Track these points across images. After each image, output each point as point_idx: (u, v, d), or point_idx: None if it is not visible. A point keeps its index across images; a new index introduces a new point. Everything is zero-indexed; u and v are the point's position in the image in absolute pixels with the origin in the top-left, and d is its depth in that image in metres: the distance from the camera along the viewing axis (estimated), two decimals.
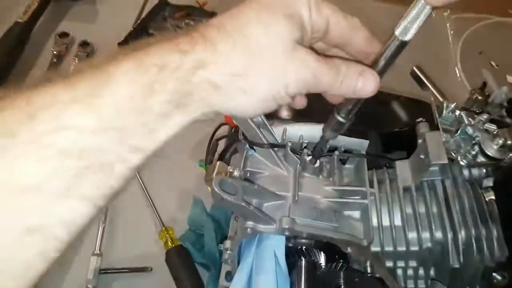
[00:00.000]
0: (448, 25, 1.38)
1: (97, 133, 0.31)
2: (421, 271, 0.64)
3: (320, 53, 0.50)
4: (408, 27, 0.40)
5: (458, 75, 1.28)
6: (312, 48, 0.44)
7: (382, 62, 0.43)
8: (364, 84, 0.41)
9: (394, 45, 0.42)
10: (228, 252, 0.65)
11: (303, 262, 0.62)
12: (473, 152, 0.61)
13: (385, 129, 0.71)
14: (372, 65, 0.44)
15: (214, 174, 0.67)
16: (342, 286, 0.69)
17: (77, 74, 0.33)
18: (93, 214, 0.32)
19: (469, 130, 0.64)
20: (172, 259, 0.83)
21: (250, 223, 0.56)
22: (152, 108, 0.34)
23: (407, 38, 0.41)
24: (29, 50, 1.22)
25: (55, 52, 1.23)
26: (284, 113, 0.70)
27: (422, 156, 0.60)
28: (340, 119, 0.51)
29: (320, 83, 0.40)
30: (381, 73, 0.44)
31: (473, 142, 0.63)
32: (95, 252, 0.83)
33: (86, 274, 0.79)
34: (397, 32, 0.41)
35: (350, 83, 0.41)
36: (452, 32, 1.37)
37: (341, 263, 0.62)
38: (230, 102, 0.38)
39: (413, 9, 0.39)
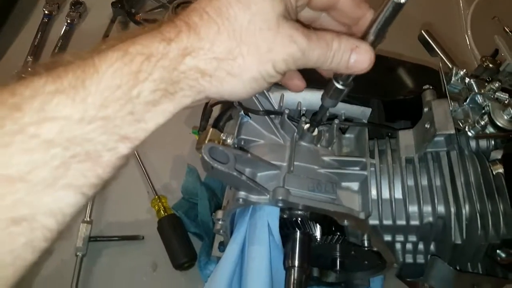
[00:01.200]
0: None
1: (82, 123, 0.31)
2: (420, 246, 0.62)
3: (309, 26, 0.48)
4: None
5: (467, 42, 1.22)
6: (300, 22, 0.43)
7: (376, 28, 0.40)
8: (357, 59, 0.40)
9: (389, 8, 0.38)
10: (220, 222, 0.62)
11: (298, 234, 0.60)
12: (482, 123, 0.57)
13: (389, 96, 0.67)
14: (366, 31, 0.41)
15: (206, 141, 0.64)
16: (338, 260, 0.67)
17: (62, 66, 0.33)
18: (82, 203, 0.33)
19: (479, 98, 0.60)
20: (165, 228, 0.81)
21: (242, 194, 0.53)
22: (139, 97, 0.34)
23: (402, 0, 0.37)
24: (19, 10, 1.17)
25: (46, 12, 1.18)
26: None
27: (427, 126, 0.56)
28: (339, 86, 0.47)
29: (309, 58, 0.39)
30: (375, 41, 0.41)
31: (483, 111, 0.59)
32: (85, 219, 0.80)
33: (76, 241, 0.77)
34: None
35: (342, 59, 0.40)
36: None
37: (337, 236, 0.60)
38: (220, 87, 0.37)
39: None
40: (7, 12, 1.14)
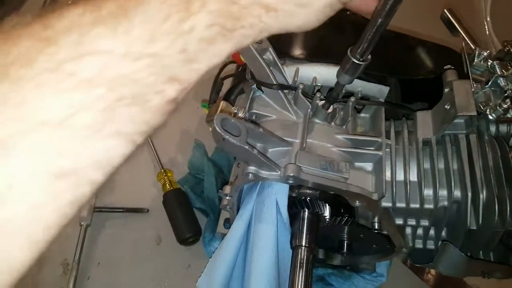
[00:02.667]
0: None
1: (127, 60, 0.27)
2: (431, 232, 0.60)
3: None
4: None
5: (486, 27, 1.19)
6: None
7: None
8: None
9: None
10: (227, 198, 0.61)
11: (306, 213, 0.58)
12: (504, 106, 0.55)
13: (407, 75, 0.64)
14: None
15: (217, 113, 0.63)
16: (346, 242, 0.66)
17: None
18: (131, 152, 0.28)
19: (501, 81, 0.57)
20: (170, 202, 0.80)
21: (252, 168, 0.52)
22: (192, 32, 0.29)
23: None
24: None
25: None
26: (298, 52, 0.64)
27: (447, 106, 0.54)
28: (355, 60, 0.45)
29: None
30: (393, 8, 0.39)
31: (505, 95, 0.56)
32: None
33: (80, 211, 0.76)
34: None
35: None
36: None
37: (346, 218, 0.58)
38: (287, 22, 0.33)
39: None
40: None
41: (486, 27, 1.19)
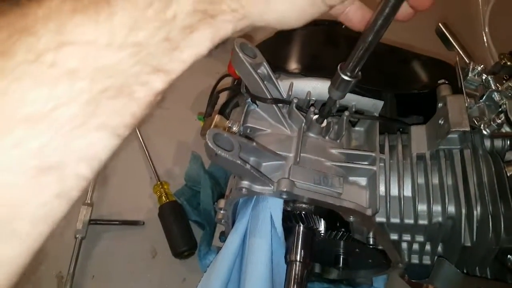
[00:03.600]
0: None
1: (110, 50, 0.26)
2: (427, 247, 0.60)
3: None
4: None
5: (485, 39, 1.19)
6: None
7: (383, 15, 0.37)
8: None
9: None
10: (222, 211, 0.61)
11: (301, 228, 0.58)
12: (498, 121, 0.54)
13: (402, 89, 0.64)
14: (373, 18, 0.38)
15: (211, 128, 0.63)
16: (341, 256, 0.66)
17: None
18: (117, 145, 0.27)
19: (496, 96, 0.57)
20: (166, 214, 0.79)
21: (245, 183, 0.51)
22: (175, 20, 0.28)
23: None
24: None
25: None
26: (292, 66, 0.64)
27: (441, 121, 0.54)
28: (345, 77, 0.45)
29: None
30: (383, 26, 0.38)
31: (499, 110, 0.56)
32: (86, 201, 0.79)
33: (75, 223, 0.76)
34: None
35: None
36: None
37: (341, 232, 0.58)
38: (266, 9, 0.32)
39: None
40: None
41: (484, 38, 1.20)
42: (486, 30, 1.20)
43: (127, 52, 0.26)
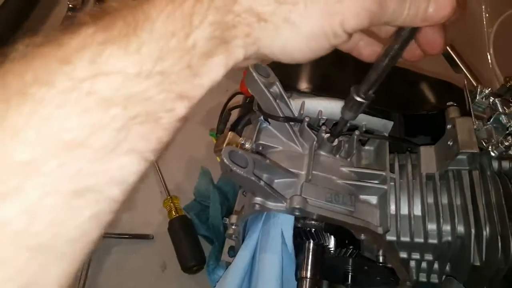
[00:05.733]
0: (483, 7, 1.30)
1: (140, 79, 0.27)
2: (435, 266, 0.60)
3: None
4: None
5: (489, 61, 1.21)
6: None
7: (399, 41, 0.38)
8: (436, 7, 0.34)
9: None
10: (233, 227, 0.62)
11: (311, 244, 0.59)
12: (506, 143, 0.55)
13: (410, 110, 0.66)
14: (389, 44, 0.39)
15: (224, 145, 0.64)
16: (350, 274, 0.66)
17: (108, 15, 0.29)
18: (145, 169, 0.29)
19: (503, 119, 0.58)
20: (175, 229, 0.80)
21: (258, 199, 0.52)
22: (195, 48, 0.29)
23: None
24: (44, 2, 1.18)
25: (70, 6, 1.19)
26: (304, 86, 0.66)
27: (450, 143, 0.55)
28: (359, 99, 0.47)
29: (384, 11, 0.33)
30: (399, 52, 0.39)
31: (507, 132, 0.57)
32: None
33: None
34: None
35: (419, 8, 0.34)
36: (487, 15, 1.29)
37: (351, 250, 0.59)
38: (275, 38, 0.32)
39: None
40: (32, 4, 1.16)
41: (489, 59, 1.21)
42: (491, 51, 1.22)
43: (154, 80, 0.28)
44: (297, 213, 0.52)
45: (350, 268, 0.65)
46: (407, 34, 0.39)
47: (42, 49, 0.27)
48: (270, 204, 0.52)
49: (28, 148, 0.24)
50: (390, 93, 0.66)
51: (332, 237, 0.58)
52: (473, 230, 0.52)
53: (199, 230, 0.82)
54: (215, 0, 0.30)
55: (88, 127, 0.26)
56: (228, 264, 0.69)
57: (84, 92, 0.26)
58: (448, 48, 0.72)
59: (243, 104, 0.75)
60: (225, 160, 0.46)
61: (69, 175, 0.25)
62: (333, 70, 0.67)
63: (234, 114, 0.74)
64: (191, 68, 0.29)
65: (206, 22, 0.29)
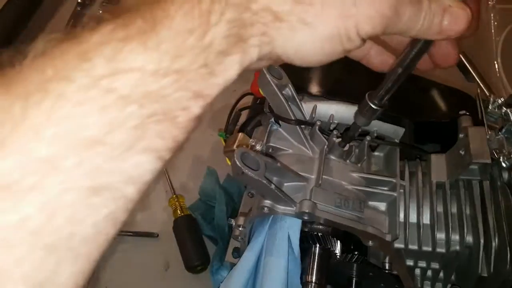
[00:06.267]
0: (492, 15, 1.29)
1: (157, 76, 0.27)
2: (441, 274, 0.60)
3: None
4: None
5: (497, 69, 1.20)
6: None
7: (415, 50, 0.39)
8: (451, 21, 0.35)
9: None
10: (240, 229, 0.61)
11: (318, 249, 0.59)
12: None
13: (421, 117, 0.65)
14: (405, 52, 0.40)
15: (235, 146, 0.64)
16: (354, 279, 0.66)
17: (127, 12, 0.29)
18: (160, 168, 0.28)
19: None
20: (180, 227, 0.80)
21: (268, 202, 0.52)
22: (212, 46, 0.29)
23: None
24: None
25: (79, 1, 1.19)
26: (316, 89, 0.66)
27: (462, 152, 0.55)
28: (373, 105, 0.47)
29: (399, 19, 0.33)
30: (414, 60, 0.40)
31: None
32: None
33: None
34: None
35: (434, 20, 0.34)
36: (495, 23, 1.28)
37: (357, 255, 0.59)
38: (289, 38, 0.32)
39: None
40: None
41: (496, 68, 1.21)
42: (499, 60, 1.22)
43: (171, 78, 0.27)
44: (306, 218, 0.52)
45: (354, 274, 0.65)
46: (421, 45, 0.39)
47: (62, 45, 0.27)
48: (279, 208, 0.52)
49: (47, 144, 0.24)
50: (401, 100, 0.65)
51: (339, 242, 0.58)
52: (482, 241, 0.52)
53: (204, 230, 0.82)
54: None
55: (107, 125, 0.25)
56: (232, 265, 0.69)
57: (103, 89, 0.25)
58: (461, 56, 0.72)
59: (253, 105, 0.75)
60: (237, 162, 0.46)
61: (87, 173, 0.25)
62: (345, 75, 0.67)
63: (243, 115, 0.73)
64: (207, 66, 0.29)
65: (223, 19, 0.29)
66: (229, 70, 0.30)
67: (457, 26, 0.35)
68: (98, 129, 0.25)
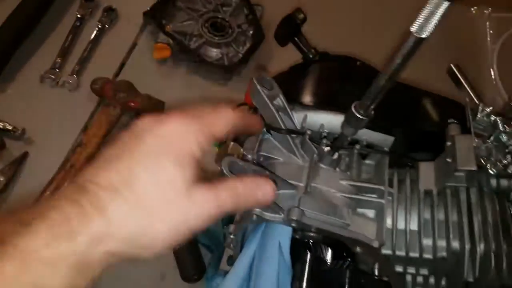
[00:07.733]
0: (487, 24, 1.31)
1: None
2: (431, 280, 0.60)
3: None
4: (425, 24, 0.37)
5: (493, 77, 1.21)
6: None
7: (398, 60, 0.41)
8: (263, 194, 0.42)
9: (410, 42, 0.39)
10: (231, 236, 0.62)
11: (308, 256, 0.59)
12: (505, 162, 0.56)
13: (412, 126, 0.66)
14: (388, 63, 0.42)
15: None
16: (346, 286, 0.67)
17: None
18: None
19: (503, 137, 0.59)
20: None
21: (256, 210, 0.53)
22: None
23: (424, 35, 0.38)
24: (54, 11, 1.20)
25: (79, 16, 1.22)
26: (307, 99, 0.67)
27: (448, 160, 0.56)
28: (358, 115, 0.48)
29: (224, 211, 0.39)
30: (397, 71, 0.42)
31: (506, 150, 0.58)
32: None
33: None
34: (413, 29, 0.38)
35: (251, 198, 0.42)
36: (491, 31, 1.30)
37: (347, 262, 0.59)
38: (133, 259, 0.37)
39: (430, 5, 0.36)
40: (42, 12, 1.18)
41: (492, 76, 1.22)
42: (495, 67, 1.23)
43: None
44: (294, 225, 0.53)
45: (346, 280, 0.65)
46: (408, 49, 0.40)
47: None
48: (268, 215, 0.53)
49: None
50: (392, 109, 0.66)
51: (329, 249, 0.59)
52: (467, 247, 0.52)
53: (199, 238, 0.82)
54: (70, 257, 0.32)
55: None
56: (226, 273, 0.69)
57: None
58: (452, 66, 0.73)
59: None
60: (224, 171, 0.47)
61: None
62: (336, 84, 0.68)
63: None
64: None
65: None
66: None
67: (268, 197, 0.43)
68: None
